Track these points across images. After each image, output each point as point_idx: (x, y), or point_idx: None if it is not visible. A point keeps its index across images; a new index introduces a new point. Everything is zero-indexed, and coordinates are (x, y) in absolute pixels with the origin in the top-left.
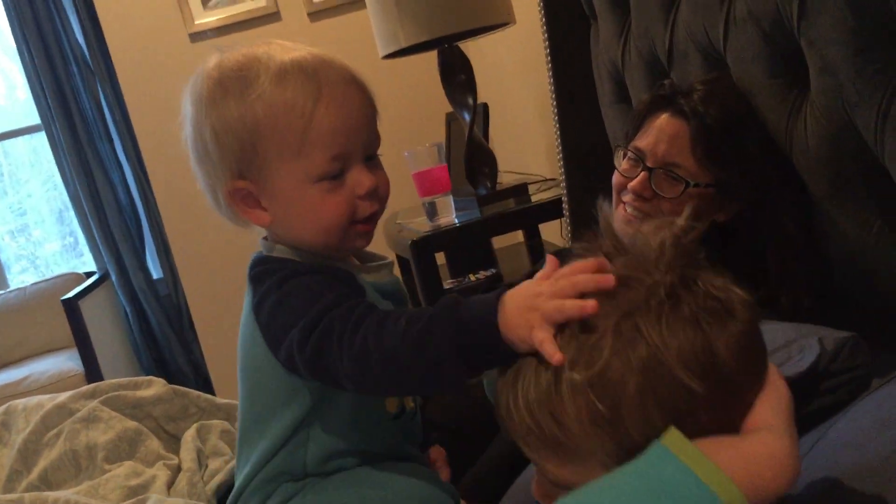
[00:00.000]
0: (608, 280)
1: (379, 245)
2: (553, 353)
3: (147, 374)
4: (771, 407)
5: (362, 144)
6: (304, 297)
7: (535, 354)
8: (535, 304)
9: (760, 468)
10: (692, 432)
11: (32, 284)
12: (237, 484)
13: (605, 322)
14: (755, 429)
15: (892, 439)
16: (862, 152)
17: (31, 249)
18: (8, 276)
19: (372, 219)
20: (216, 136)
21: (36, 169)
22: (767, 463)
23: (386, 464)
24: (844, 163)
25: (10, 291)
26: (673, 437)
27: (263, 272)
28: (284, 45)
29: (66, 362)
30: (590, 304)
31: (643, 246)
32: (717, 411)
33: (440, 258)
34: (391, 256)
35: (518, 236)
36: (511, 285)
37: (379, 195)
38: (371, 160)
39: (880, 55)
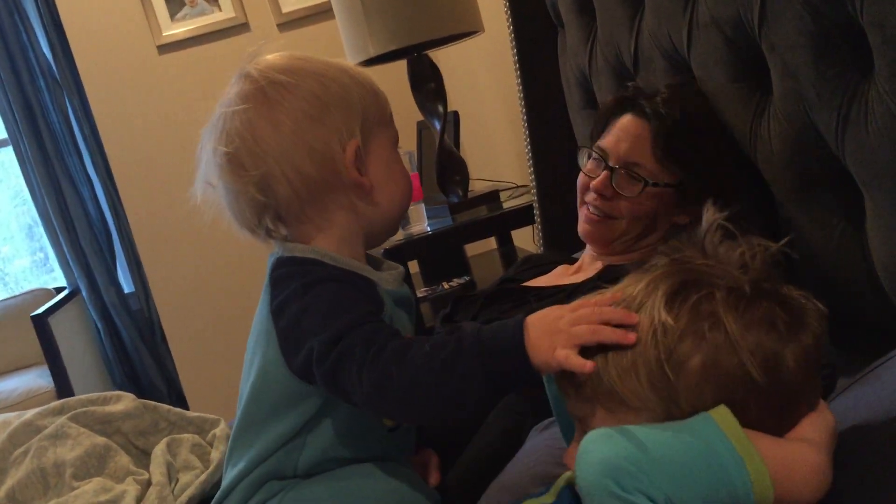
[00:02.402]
0: (632, 317)
1: None
2: (582, 364)
3: (120, 390)
4: (816, 427)
5: None
6: (327, 308)
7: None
8: (558, 328)
9: (793, 471)
10: (739, 422)
11: (1, 301)
12: (225, 483)
13: (687, 298)
14: (798, 438)
15: (863, 443)
16: (824, 154)
17: (0, 266)
18: None
19: None
20: (346, 94)
21: (4, 184)
22: (801, 469)
23: (369, 464)
24: (807, 165)
25: None
26: (721, 412)
27: (287, 275)
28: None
29: (37, 379)
30: (623, 335)
31: (728, 255)
32: (767, 412)
33: (413, 266)
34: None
35: (491, 243)
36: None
37: None
38: None
39: (840, 58)
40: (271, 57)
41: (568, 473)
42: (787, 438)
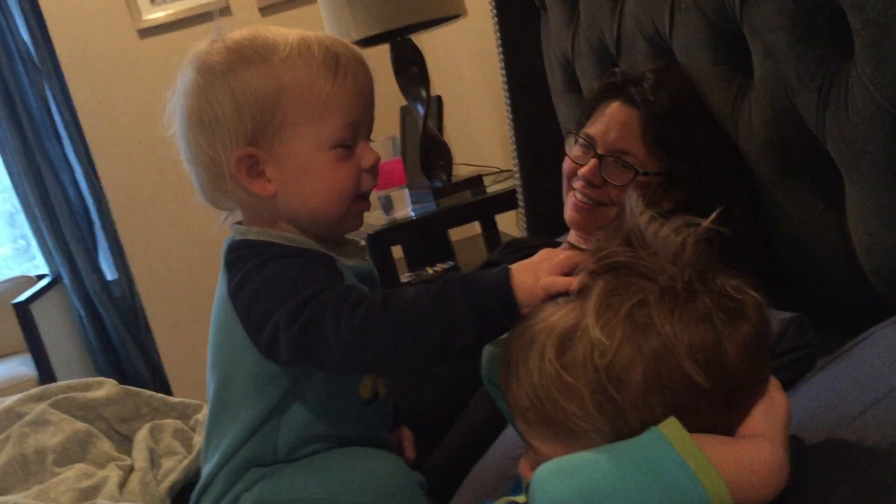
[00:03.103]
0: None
1: None
2: (567, 282)
3: (104, 377)
4: (768, 416)
5: (369, 119)
6: (289, 279)
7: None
8: (539, 266)
9: (751, 472)
10: (690, 428)
11: None
12: (204, 473)
13: (619, 309)
14: (751, 435)
15: (838, 420)
16: (804, 137)
17: None
18: None
19: (367, 197)
20: (235, 101)
21: None
22: (758, 468)
23: (352, 448)
24: (788, 147)
25: None
26: (670, 426)
27: (242, 256)
28: (290, 29)
29: (19, 367)
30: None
31: (664, 242)
32: (717, 410)
33: (397, 252)
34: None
35: (475, 228)
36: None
37: (376, 172)
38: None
39: (820, 40)
40: (218, 45)
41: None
42: (741, 436)
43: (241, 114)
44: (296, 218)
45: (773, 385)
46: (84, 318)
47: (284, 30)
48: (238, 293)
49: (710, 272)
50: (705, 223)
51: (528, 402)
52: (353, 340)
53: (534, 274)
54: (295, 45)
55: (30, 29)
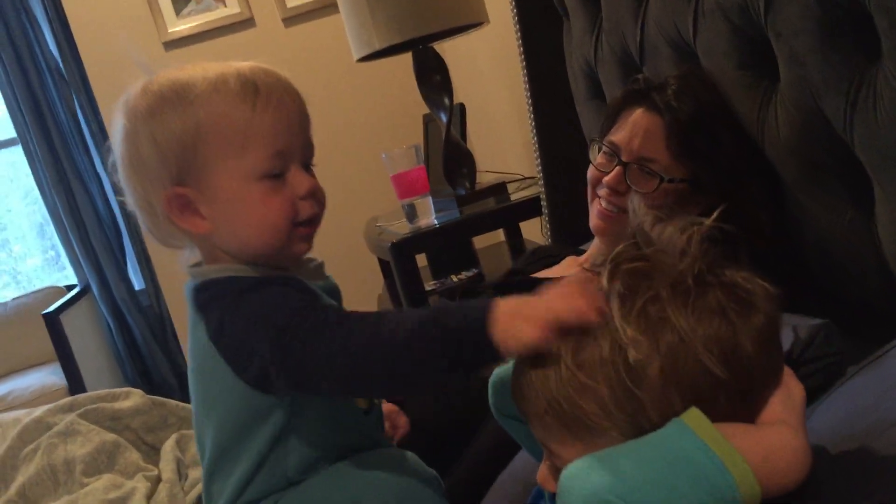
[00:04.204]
0: (591, 318)
1: (359, 248)
2: (544, 339)
3: (131, 387)
4: (786, 404)
5: (300, 146)
6: (266, 309)
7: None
8: (524, 310)
9: (775, 458)
10: (710, 419)
11: (13, 300)
12: None
13: (633, 306)
14: (771, 422)
15: (870, 428)
16: (832, 141)
17: (13, 265)
18: None
19: (312, 222)
20: (156, 144)
21: (15, 183)
22: (782, 454)
23: (363, 457)
24: (815, 152)
25: None
26: (693, 415)
27: (212, 297)
28: (217, 62)
29: (49, 377)
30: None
31: (670, 240)
32: (736, 401)
33: (421, 260)
34: (373, 259)
35: (499, 235)
36: (496, 286)
37: (318, 198)
38: (307, 169)
39: (846, 43)
40: (143, 84)
41: None
42: (762, 423)
43: (163, 156)
44: (236, 252)
45: (788, 373)
46: (112, 327)
47: (208, 65)
48: (219, 335)
49: (719, 266)
50: (708, 221)
51: (545, 406)
52: (338, 370)
53: (519, 316)
54: (211, 79)
55: (58, 42)
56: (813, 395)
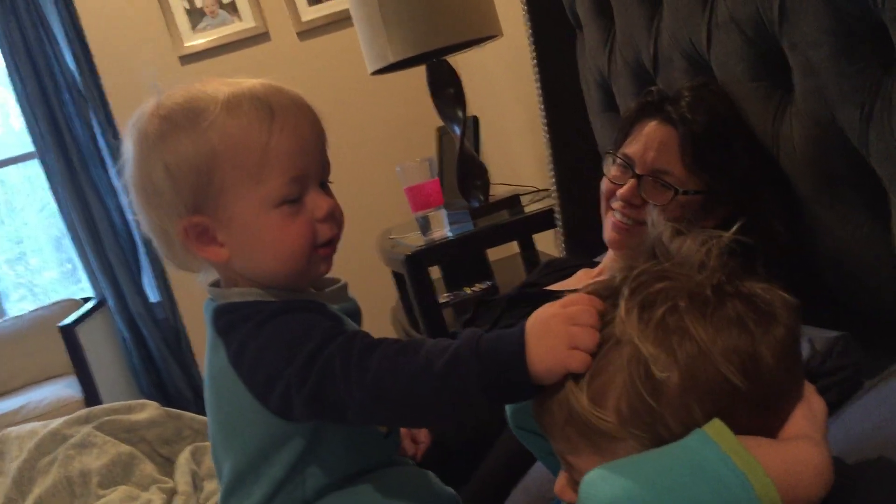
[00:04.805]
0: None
1: (373, 261)
2: (585, 362)
3: (147, 399)
4: (808, 418)
5: (317, 167)
6: (291, 335)
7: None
8: (552, 328)
9: (797, 472)
10: (731, 431)
11: (29, 312)
12: None
13: (651, 317)
14: (794, 436)
15: (887, 441)
16: (847, 153)
17: (30, 277)
18: (6, 305)
19: (332, 243)
20: (169, 171)
21: (32, 197)
22: (804, 468)
23: (380, 476)
24: (831, 163)
25: (7, 320)
26: (715, 426)
27: (234, 321)
28: (228, 80)
29: (65, 389)
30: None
31: (689, 253)
32: (757, 414)
33: (435, 272)
34: (386, 272)
35: (513, 247)
36: (510, 299)
37: (336, 218)
38: (324, 187)
39: (861, 54)
40: (153, 105)
41: None
42: (785, 438)
43: (177, 184)
44: (257, 278)
45: (809, 388)
46: (128, 340)
47: (219, 85)
48: (239, 359)
49: (738, 277)
50: (728, 234)
51: (565, 417)
52: (367, 399)
53: (552, 342)
54: (224, 102)
55: (75, 58)
56: (830, 409)
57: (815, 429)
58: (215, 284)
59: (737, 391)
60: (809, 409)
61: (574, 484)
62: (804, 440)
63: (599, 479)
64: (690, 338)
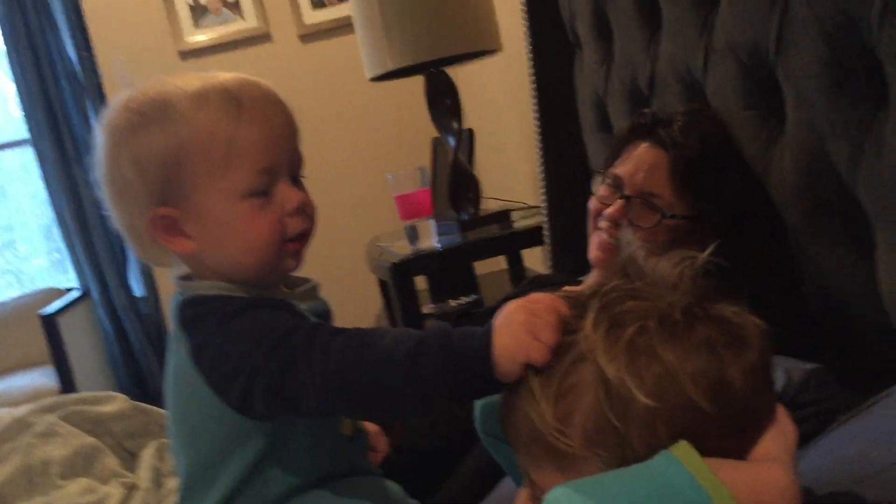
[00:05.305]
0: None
1: (359, 267)
2: (544, 356)
3: (125, 393)
4: (777, 442)
5: (287, 159)
6: (255, 329)
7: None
8: (522, 327)
9: (764, 495)
10: (700, 453)
11: (12, 299)
12: None
13: (619, 337)
14: (762, 458)
15: (857, 477)
16: (836, 185)
17: (17, 265)
18: None
19: (302, 237)
20: (137, 163)
21: (25, 184)
22: (771, 491)
23: (344, 485)
24: (819, 194)
25: None
26: (681, 447)
27: (199, 315)
28: (202, 74)
29: (41, 378)
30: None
31: (661, 274)
32: (725, 437)
33: (421, 282)
34: (372, 279)
35: (501, 263)
36: (491, 311)
37: (307, 212)
38: (296, 181)
39: (855, 89)
40: (125, 99)
41: None
42: (753, 459)
43: (145, 176)
44: (226, 271)
45: (781, 412)
46: (110, 332)
47: (191, 79)
48: (201, 353)
49: (709, 300)
50: (703, 256)
51: (529, 434)
52: (328, 385)
53: (514, 330)
54: (193, 95)
55: (76, 47)
56: (803, 441)
57: (785, 451)
58: (185, 278)
59: (705, 415)
60: (780, 432)
61: (536, 501)
62: (772, 462)
63: (565, 496)
64: (658, 360)
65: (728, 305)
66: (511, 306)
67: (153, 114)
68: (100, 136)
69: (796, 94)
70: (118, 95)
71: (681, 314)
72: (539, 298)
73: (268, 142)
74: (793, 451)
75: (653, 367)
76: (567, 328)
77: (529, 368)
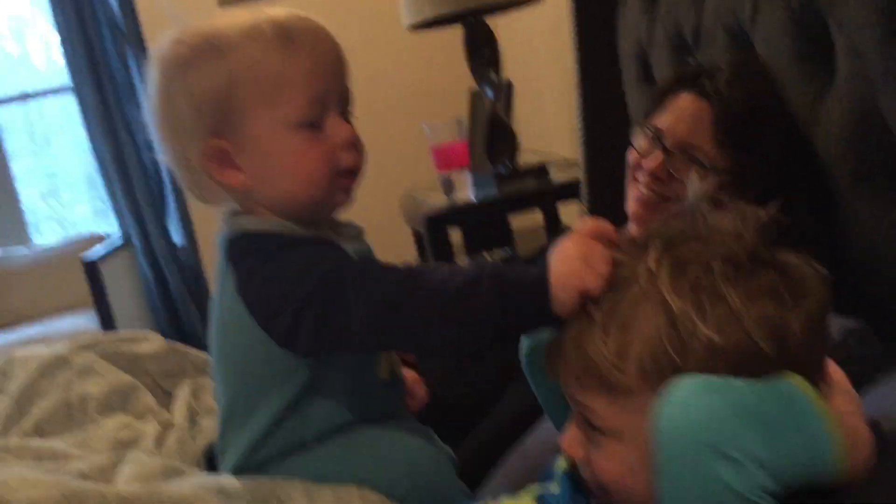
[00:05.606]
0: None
1: (394, 219)
2: (599, 286)
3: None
4: (846, 398)
5: (337, 92)
6: (304, 261)
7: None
8: (578, 264)
9: (857, 443)
10: None
11: (55, 244)
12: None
13: (683, 276)
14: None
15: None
16: (886, 140)
17: (61, 211)
18: (36, 237)
19: (353, 172)
20: (190, 96)
21: (69, 131)
22: (861, 441)
23: (379, 429)
24: (868, 151)
25: (34, 249)
26: (798, 379)
27: (246, 250)
28: (249, 10)
29: (83, 322)
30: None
31: (720, 225)
32: None
33: (456, 236)
34: (407, 231)
35: (537, 217)
36: (528, 262)
37: (358, 147)
38: (346, 117)
39: None
40: (177, 35)
41: (562, 461)
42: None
43: (198, 109)
44: (278, 205)
45: (835, 368)
46: (150, 280)
47: (241, 13)
48: (247, 286)
49: (772, 248)
50: (767, 211)
51: (583, 366)
52: (379, 316)
53: (573, 265)
54: (245, 28)
55: None
56: None
57: (855, 406)
58: (234, 214)
59: (764, 358)
60: (844, 390)
61: (583, 434)
62: (852, 414)
63: (696, 392)
64: (723, 300)
65: (789, 254)
66: (566, 240)
67: (205, 47)
68: (152, 72)
69: (848, 45)
70: (168, 32)
71: (747, 258)
72: (591, 223)
73: (318, 71)
74: (860, 403)
75: (718, 306)
76: (621, 263)
77: (587, 299)
